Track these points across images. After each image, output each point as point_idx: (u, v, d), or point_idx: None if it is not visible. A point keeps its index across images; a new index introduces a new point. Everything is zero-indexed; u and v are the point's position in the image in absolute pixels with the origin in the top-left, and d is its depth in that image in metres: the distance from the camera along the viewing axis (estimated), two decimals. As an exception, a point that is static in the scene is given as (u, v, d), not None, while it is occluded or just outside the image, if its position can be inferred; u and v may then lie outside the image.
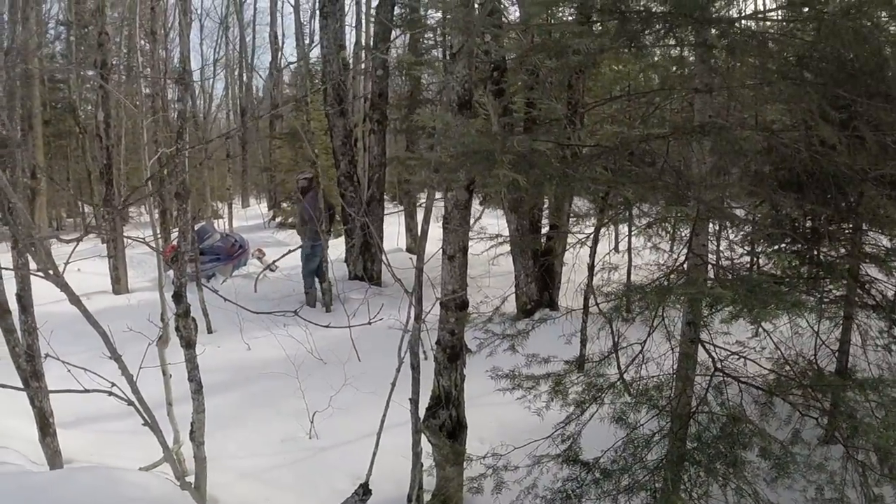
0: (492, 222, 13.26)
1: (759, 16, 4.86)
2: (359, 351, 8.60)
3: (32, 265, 5.31)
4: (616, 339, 5.23)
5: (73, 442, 6.41)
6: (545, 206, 10.48)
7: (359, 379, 7.49)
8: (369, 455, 4.92)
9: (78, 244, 4.02)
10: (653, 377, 5.21)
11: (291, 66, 30.34)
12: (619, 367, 5.19)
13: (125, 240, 13.84)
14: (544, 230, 10.55)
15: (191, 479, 5.21)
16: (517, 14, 9.38)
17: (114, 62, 16.91)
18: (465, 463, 5.56)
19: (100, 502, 4.90)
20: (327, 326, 5.54)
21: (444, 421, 5.45)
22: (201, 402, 5.13)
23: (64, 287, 4.10)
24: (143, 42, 21.15)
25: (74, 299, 4.18)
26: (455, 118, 5.18)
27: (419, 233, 5.48)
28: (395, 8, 14.78)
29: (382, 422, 4.90)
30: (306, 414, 6.98)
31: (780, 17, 4.78)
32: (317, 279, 12.16)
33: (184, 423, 5.59)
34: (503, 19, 8.63)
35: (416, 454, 5.08)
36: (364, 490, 4.84)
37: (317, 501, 5.92)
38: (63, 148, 28.03)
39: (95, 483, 5.16)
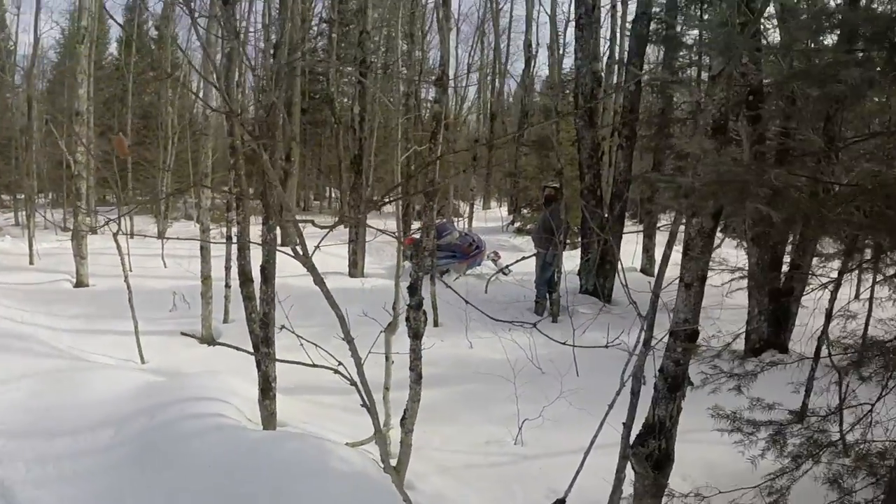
0: (729, 251, 12.79)
1: None
2: (578, 366, 8.53)
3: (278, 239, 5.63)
4: (843, 396, 4.89)
5: (287, 407, 6.88)
6: (789, 240, 9.96)
7: (574, 394, 7.40)
8: (571, 472, 4.85)
9: (330, 231, 4.21)
10: (877, 442, 4.83)
11: (543, 76, 30.64)
12: (840, 426, 4.86)
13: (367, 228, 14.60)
14: (784, 267, 10.03)
15: (393, 462, 5.36)
16: (777, 36, 8.97)
17: (372, 60, 17.80)
18: (664, 498, 5.38)
19: (305, 467, 5.19)
20: (563, 343, 5.48)
21: (652, 451, 5.30)
22: (418, 391, 5.28)
23: (311, 268, 4.27)
24: (400, 42, 22.13)
25: (319, 280, 4.34)
26: (709, 143, 5.03)
27: (660, 256, 5.36)
28: (651, 23, 14.55)
29: (592, 442, 4.82)
30: (516, 420, 6.99)
31: None
32: (548, 289, 12.16)
33: (396, 408, 5.76)
34: (763, 41, 8.29)
35: (619, 480, 4.95)
36: (559, 506, 4.77)
37: (510, 506, 5.92)
38: (317, 136, 30.62)
39: (304, 449, 5.49)
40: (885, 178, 5.00)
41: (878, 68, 4.54)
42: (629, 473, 5.20)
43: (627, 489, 5.35)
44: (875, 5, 7.05)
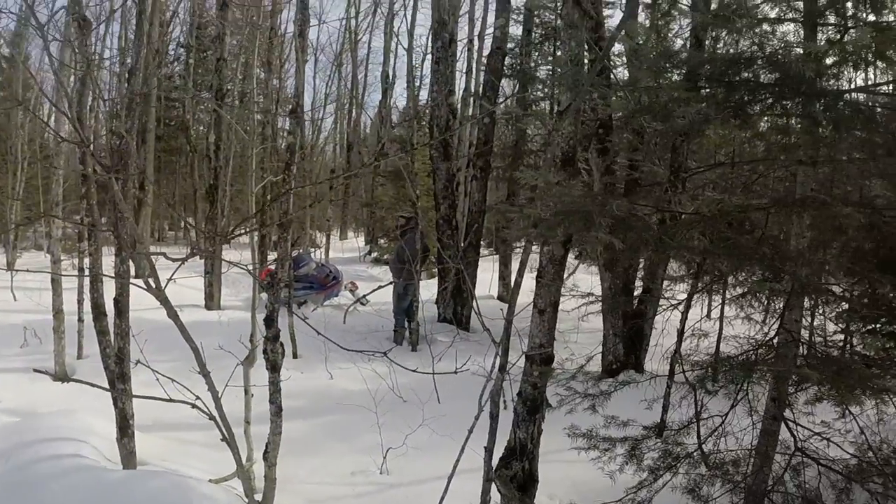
0: (585, 277, 13.19)
1: (870, 88, 4.80)
2: (440, 393, 8.65)
3: (132, 271, 5.48)
4: (698, 409, 5.16)
5: (148, 445, 6.61)
6: (640, 265, 10.39)
7: (437, 421, 7.48)
8: (437, 497, 4.92)
9: (183, 263, 4.16)
10: (731, 451, 5.12)
11: (400, 108, 30.87)
12: (698, 438, 5.11)
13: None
14: (637, 291, 10.44)
15: (258, 497, 5.30)
16: (626, 73, 9.40)
17: (229, 87, 17.52)
18: (531, 517, 5.51)
19: (168, 507, 5.05)
20: (414, 371, 5.57)
21: (516, 472, 5.42)
22: (279, 424, 5.21)
23: (164, 301, 4.25)
24: (258, 71, 21.86)
25: (172, 314, 4.33)
26: (557, 174, 5.22)
27: (513, 284, 5.50)
28: (506, 58, 14.93)
29: (455, 466, 4.90)
30: (380, 449, 6.99)
31: (889, 91, 4.71)
32: (406, 318, 12.25)
33: (258, 442, 5.69)
34: (611, 77, 8.64)
35: (485, 503, 5.06)
36: (428, 531, 4.83)
37: (378, 537, 5.94)
38: (172, 164, 29.40)
39: (166, 488, 5.32)
40: (725, 206, 5.30)
41: (716, 105, 4.83)
42: (495, 496, 5.31)
43: (495, 511, 5.47)
44: (720, 45, 7.48)
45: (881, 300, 5.57)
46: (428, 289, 14.58)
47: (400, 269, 12.08)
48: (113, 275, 5.72)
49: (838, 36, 4.59)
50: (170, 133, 27.82)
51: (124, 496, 5.16)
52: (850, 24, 4.52)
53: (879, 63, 4.56)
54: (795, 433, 4.77)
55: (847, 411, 5.22)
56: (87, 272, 7.08)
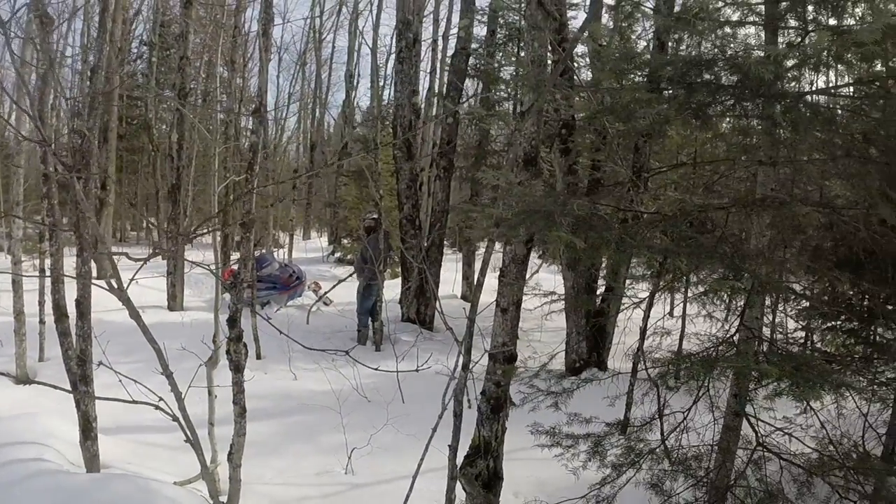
0: (548, 276, 13.25)
1: (831, 90, 4.88)
2: (404, 393, 8.65)
3: (94, 272, 5.40)
4: (661, 406, 5.21)
5: (111, 448, 6.53)
6: (602, 265, 10.47)
7: (401, 420, 7.50)
8: (402, 496, 4.93)
9: (145, 263, 4.13)
10: (693, 447, 5.19)
11: (363, 107, 30.76)
12: (661, 434, 5.17)
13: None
14: (600, 290, 10.52)
15: (223, 499, 5.27)
16: (589, 74, 9.47)
17: (192, 86, 17.38)
18: (496, 515, 5.53)
19: (132, 510, 4.99)
20: (376, 369, 5.58)
21: (480, 471, 5.43)
22: (243, 425, 5.19)
23: (126, 302, 4.22)
24: (221, 69, 21.68)
25: (135, 314, 4.30)
26: (520, 174, 5.25)
27: (475, 283, 5.51)
28: (470, 59, 14.97)
29: (419, 465, 4.91)
30: (345, 449, 6.96)
31: (849, 94, 4.79)
32: (370, 318, 12.24)
33: (223, 444, 5.66)
34: (574, 78, 8.69)
35: (450, 501, 5.07)
36: (394, 530, 4.84)
37: (345, 537, 5.92)
38: (134, 163, 28.87)
39: (130, 491, 5.25)
40: (687, 206, 5.36)
41: (677, 106, 4.88)
42: (460, 494, 5.33)
43: (461, 509, 5.49)
44: (682, 47, 7.55)
45: (840, 298, 5.68)
46: (391, 289, 14.57)
47: (364, 269, 12.08)
48: (74, 276, 5.67)
49: (798, 39, 4.66)
50: (132, 132, 27.40)
51: (88, 500, 5.10)
52: (810, 28, 4.60)
53: (839, 66, 4.65)
54: (757, 428, 4.84)
55: (808, 406, 5.31)
56: (48, 273, 6.94)
